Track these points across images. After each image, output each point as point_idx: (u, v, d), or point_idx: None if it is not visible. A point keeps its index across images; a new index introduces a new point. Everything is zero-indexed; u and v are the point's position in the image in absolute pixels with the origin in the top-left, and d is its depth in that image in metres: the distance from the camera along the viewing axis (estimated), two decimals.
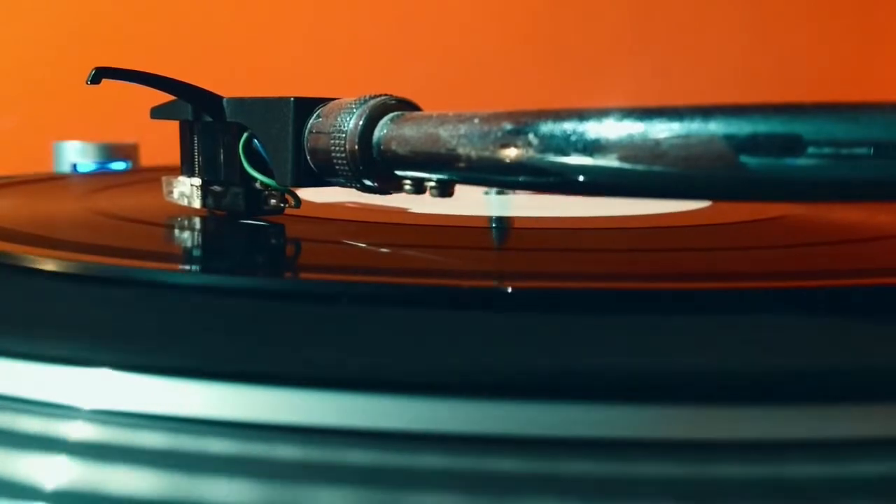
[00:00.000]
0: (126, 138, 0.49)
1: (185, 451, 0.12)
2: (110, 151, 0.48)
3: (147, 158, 0.50)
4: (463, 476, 0.11)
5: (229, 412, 0.12)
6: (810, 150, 0.13)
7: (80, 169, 0.47)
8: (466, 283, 0.17)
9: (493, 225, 0.28)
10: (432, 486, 0.11)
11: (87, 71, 0.23)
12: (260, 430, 0.12)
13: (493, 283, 0.17)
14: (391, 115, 0.21)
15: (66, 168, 0.47)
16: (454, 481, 0.11)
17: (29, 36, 0.66)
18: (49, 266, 0.18)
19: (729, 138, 0.14)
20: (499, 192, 0.35)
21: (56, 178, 0.43)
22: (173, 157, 0.27)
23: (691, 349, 0.13)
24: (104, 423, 0.12)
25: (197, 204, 0.26)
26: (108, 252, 0.20)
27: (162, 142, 0.34)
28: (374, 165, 0.21)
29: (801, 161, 0.13)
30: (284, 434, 0.12)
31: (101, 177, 0.44)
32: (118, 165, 0.48)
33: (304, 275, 0.20)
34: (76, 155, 0.48)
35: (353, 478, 0.11)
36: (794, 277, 0.19)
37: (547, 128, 0.16)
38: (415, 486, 0.11)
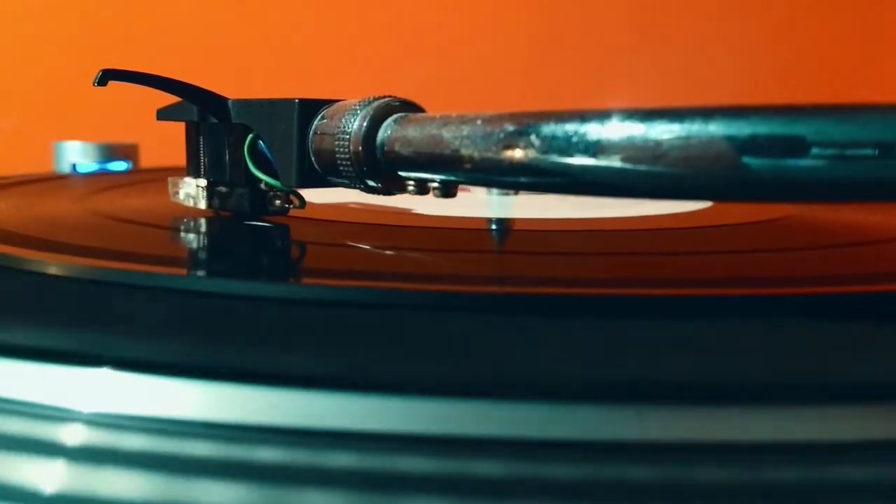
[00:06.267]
0: (126, 138, 0.49)
1: (182, 454, 0.12)
2: (110, 151, 0.48)
3: (147, 159, 0.50)
4: (449, 478, 0.11)
5: (227, 415, 0.12)
6: (812, 151, 0.13)
7: (80, 169, 0.47)
8: (456, 288, 0.17)
9: (494, 227, 0.28)
10: (419, 489, 0.11)
11: (88, 71, 0.23)
12: (259, 432, 0.12)
13: (487, 287, 0.17)
14: (395, 116, 0.21)
15: (66, 168, 0.47)
16: (441, 484, 0.11)
17: (29, 36, 0.66)
18: (50, 268, 0.18)
19: (730, 139, 0.14)
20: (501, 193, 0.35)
21: (56, 178, 0.44)
22: (173, 157, 0.28)
23: (683, 352, 0.14)
24: (104, 425, 0.12)
25: (202, 205, 0.26)
26: (113, 254, 0.20)
27: (162, 142, 0.34)
28: (378, 166, 0.21)
29: (803, 162, 0.13)
30: (282, 436, 0.12)
31: (101, 177, 0.44)
32: (118, 165, 0.48)
33: (307, 278, 0.20)
34: (76, 155, 0.48)
35: (356, 481, 0.11)
36: (792, 281, 0.19)
37: (549, 129, 0.16)
38: (402, 489, 0.11)
